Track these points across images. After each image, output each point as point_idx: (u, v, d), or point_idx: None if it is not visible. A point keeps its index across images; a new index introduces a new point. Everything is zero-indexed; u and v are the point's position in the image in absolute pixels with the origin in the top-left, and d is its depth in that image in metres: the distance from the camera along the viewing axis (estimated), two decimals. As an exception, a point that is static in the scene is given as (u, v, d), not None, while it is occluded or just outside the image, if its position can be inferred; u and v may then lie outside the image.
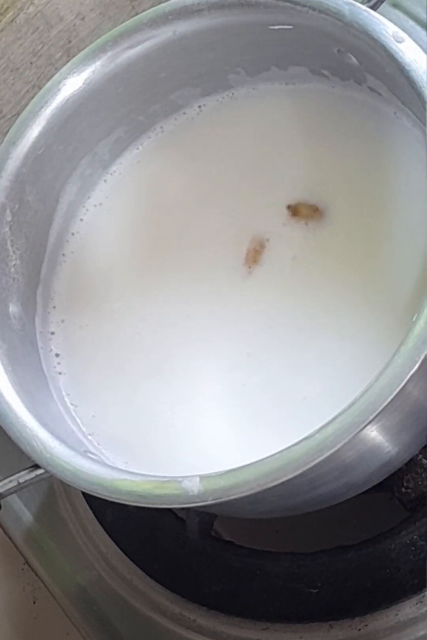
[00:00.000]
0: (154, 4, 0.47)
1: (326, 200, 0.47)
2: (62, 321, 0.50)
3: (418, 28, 0.57)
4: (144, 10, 0.48)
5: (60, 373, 0.48)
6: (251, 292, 0.47)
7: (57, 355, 0.49)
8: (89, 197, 0.52)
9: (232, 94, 0.51)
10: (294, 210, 0.47)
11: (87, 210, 0.52)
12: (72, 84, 0.48)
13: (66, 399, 0.48)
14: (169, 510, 0.52)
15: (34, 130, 0.47)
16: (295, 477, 0.36)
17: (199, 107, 0.52)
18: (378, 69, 0.43)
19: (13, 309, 0.47)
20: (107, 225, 0.51)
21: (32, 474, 0.43)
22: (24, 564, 0.57)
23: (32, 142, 0.47)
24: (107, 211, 0.52)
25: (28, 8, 0.56)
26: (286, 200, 0.48)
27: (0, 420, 0.43)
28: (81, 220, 0.51)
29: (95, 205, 0.52)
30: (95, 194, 0.52)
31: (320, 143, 0.48)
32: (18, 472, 0.43)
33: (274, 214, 0.48)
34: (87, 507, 0.56)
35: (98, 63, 0.48)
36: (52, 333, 0.49)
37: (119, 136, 0.51)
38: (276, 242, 0.47)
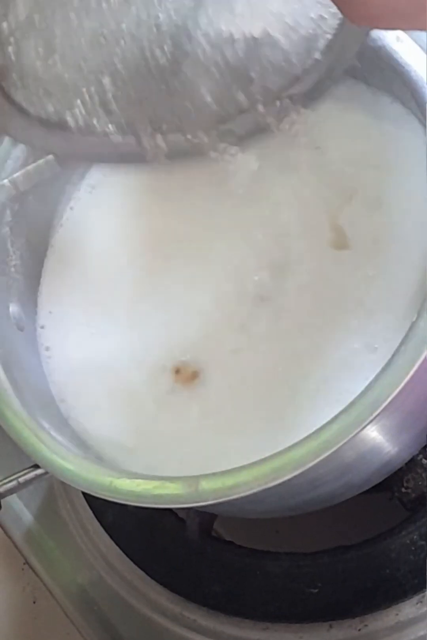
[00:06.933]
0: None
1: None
2: (50, 312, 0.49)
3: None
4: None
5: (52, 368, 0.48)
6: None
7: (47, 349, 0.48)
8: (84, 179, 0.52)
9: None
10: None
11: (79, 199, 0.51)
12: (72, 84, 0.48)
13: (65, 399, 0.47)
14: (169, 510, 0.52)
15: (34, 130, 0.47)
16: (295, 477, 0.36)
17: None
18: (378, 69, 0.43)
19: (13, 309, 0.47)
20: (96, 214, 0.51)
21: (32, 474, 0.43)
22: (24, 564, 0.57)
23: (32, 142, 0.47)
24: (96, 199, 0.51)
25: (28, 8, 0.56)
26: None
27: (0, 420, 0.43)
28: (71, 208, 0.51)
29: (86, 194, 0.51)
30: (87, 180, 0.52)
31: (320, 142, 0.48)
32: (18, 472, 0.43)
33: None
34: (87, 507, 0.56)
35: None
36: (42, 327, 0.49)
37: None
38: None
